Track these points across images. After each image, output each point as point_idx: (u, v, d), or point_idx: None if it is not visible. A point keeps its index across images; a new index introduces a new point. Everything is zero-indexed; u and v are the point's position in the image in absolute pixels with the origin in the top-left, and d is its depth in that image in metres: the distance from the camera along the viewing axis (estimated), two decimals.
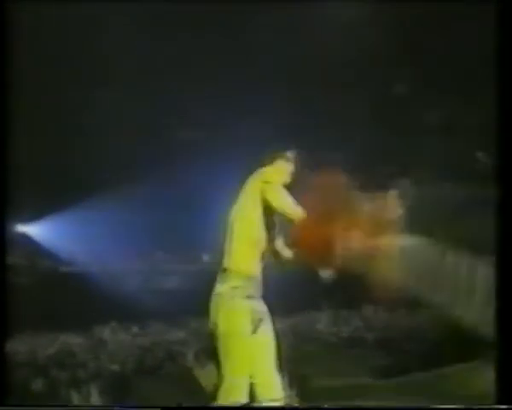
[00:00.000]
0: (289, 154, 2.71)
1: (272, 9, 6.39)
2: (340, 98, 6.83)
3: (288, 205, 2.53)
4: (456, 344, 4.40)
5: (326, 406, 3.26)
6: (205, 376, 4.44)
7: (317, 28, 6.51)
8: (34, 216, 7.34)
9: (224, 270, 2.56)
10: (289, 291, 5.49)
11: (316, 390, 3.88)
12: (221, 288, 2.54)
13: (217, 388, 2.70)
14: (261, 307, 2.58)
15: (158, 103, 7.15)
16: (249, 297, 2.53)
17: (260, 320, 2.54)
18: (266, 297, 2.69)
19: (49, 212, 7.30)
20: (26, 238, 7.33)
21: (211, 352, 4.49)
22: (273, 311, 2.60)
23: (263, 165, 2.67)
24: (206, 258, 8.42)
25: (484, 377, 3.68)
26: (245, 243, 2.57)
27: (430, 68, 6.71)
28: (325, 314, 5.44)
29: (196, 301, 6.51)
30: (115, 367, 4.49)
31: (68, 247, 7.27)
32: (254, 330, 2.51)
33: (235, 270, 2.54)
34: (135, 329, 5.87)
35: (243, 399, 2.52)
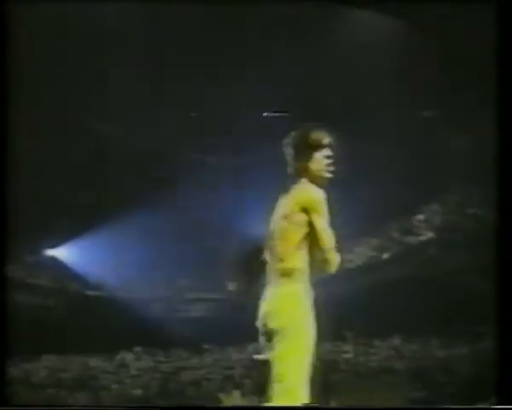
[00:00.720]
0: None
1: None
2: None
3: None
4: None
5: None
6: (230, 402, 4.38)
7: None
8: (64, 240, 7.47)
9: (291, 271, 2.51)
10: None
11: None
12: (294, 288, 2.49)
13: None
14: None
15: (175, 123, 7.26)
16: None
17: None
18: None
19: (78, 236, 7.42)
20: (55, 261, 7.44)
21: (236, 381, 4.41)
22: None
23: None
24: (230, 287, 8.36)
25: None
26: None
27: None
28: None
29: (220, 329, 6.50)
30: (138, 392, 4.45)
31: (97, 271, 7.34)
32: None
33: (304, 270, 2.51)
34: (159, 355, 5.82)
35: (305, 400, 2.47)
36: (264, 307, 2.41)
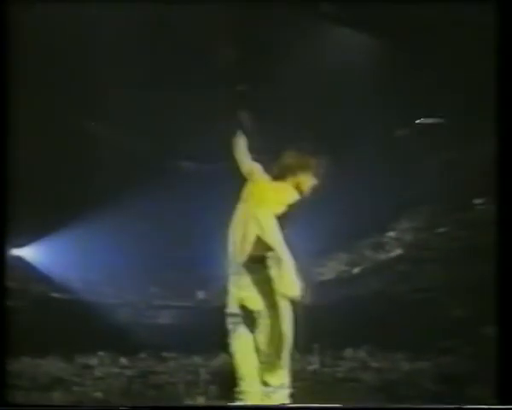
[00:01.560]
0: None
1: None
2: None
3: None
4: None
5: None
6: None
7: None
8: (30, 240, 7.29)
9: (263, 257, 2.65)
10: None
11: None
12: (268, 273, 2.62)
13: None
14: None
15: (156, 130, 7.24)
16: None
17: None
18: None
19: (45, 236, 7.25)
20: (20, 262, 7.25)
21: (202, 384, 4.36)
22: None
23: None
24: (201, 296, 8.29)
25: None
26: None
27: None
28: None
29: (187, 336, 6.42)
30: (99, 394, 4.36)
31: (63, 273, 7.19)
32: None
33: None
34: (123, 360, 5.71)
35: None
36: (241, 292, 2.47)
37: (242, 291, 2.56)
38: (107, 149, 7.23)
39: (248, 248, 2.61)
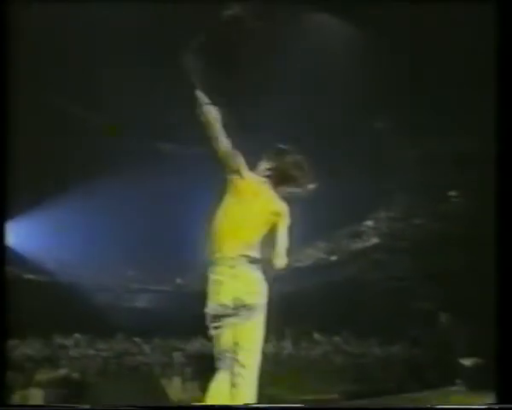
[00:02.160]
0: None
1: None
2: None
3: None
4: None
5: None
6: (171, 387, 4.39)
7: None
8: (4, 220, 7.14)
9: (257, 260, 2.69)
10: None
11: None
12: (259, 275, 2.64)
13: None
14: None
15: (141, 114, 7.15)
16: None
17: None
18: None
19: (19, 218, 7.12)
20: None
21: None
22: None
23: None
24: (179, 281, 8.31)
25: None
26: None
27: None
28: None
29: (165, 320, 6.43)
30: (75, 375, 4.36)
31: (38, 255, 7.08)
32: None
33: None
34: (99, 342, 5.70)
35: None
36: (235, 284, 2.48)
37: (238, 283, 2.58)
38: (84, 132, 7.11)
39: (244, 244, 2.59)
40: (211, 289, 2.55)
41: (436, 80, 6.81)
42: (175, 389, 4.37)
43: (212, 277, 2.57)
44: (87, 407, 3.58)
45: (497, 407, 2.82)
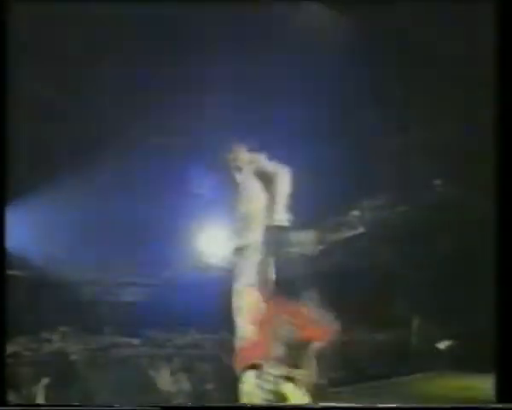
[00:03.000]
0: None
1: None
2: None
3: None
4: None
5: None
6: (159, 379, 4.40)
7: None
8: None
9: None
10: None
11: None
12: None
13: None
14: None
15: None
16: None
17: None
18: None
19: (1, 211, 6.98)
20: None
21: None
22: None
23: None
24: (166, 274, 8.28)
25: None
26: None
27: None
28: None
29: (153, 314, 6.41)
30: (61, 369, 4.34)
31: (20, 249, 6.98)
32: None
33: None
34: (86, 336, 5.67)
35: None
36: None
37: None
38: (65, 120, 6.99)
39: None
40: None
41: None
42: (164, 381, 4.37)
43: None
44: (88, 407, 3.59)
45: (497, 406, 2.84)
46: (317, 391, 3.72)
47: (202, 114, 6.98)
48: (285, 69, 6.99)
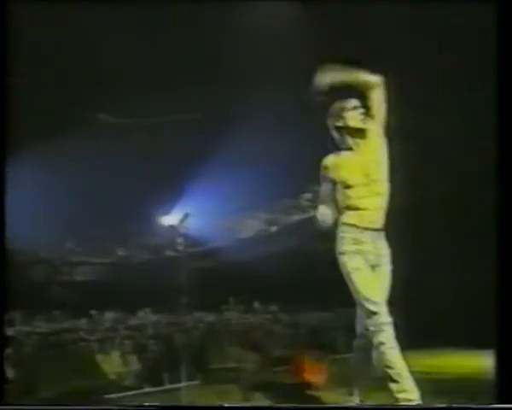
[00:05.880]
0: None
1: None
2: None
3: None
4: None
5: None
6: (109, 361, 4.41)
7: None
8: None
9: None
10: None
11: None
12: None
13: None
14: None
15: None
16: None
17: None
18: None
19: None
20: None
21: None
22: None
23: None
24: (120, 252, 8.21)
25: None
26: None
27: None
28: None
29: (106, 293, 6.36)
30: (9, 351, 4.27)
31: None
32: None
33: None
34: (37, 319, 5.58)
35: None
36: None
37: None
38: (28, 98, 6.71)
39: None
40: None
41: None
42: (113, 362, 4.40)
43: None
44: (87, 406, 3.57)
45: (497, 406, 2.88)
46: None
47: None
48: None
